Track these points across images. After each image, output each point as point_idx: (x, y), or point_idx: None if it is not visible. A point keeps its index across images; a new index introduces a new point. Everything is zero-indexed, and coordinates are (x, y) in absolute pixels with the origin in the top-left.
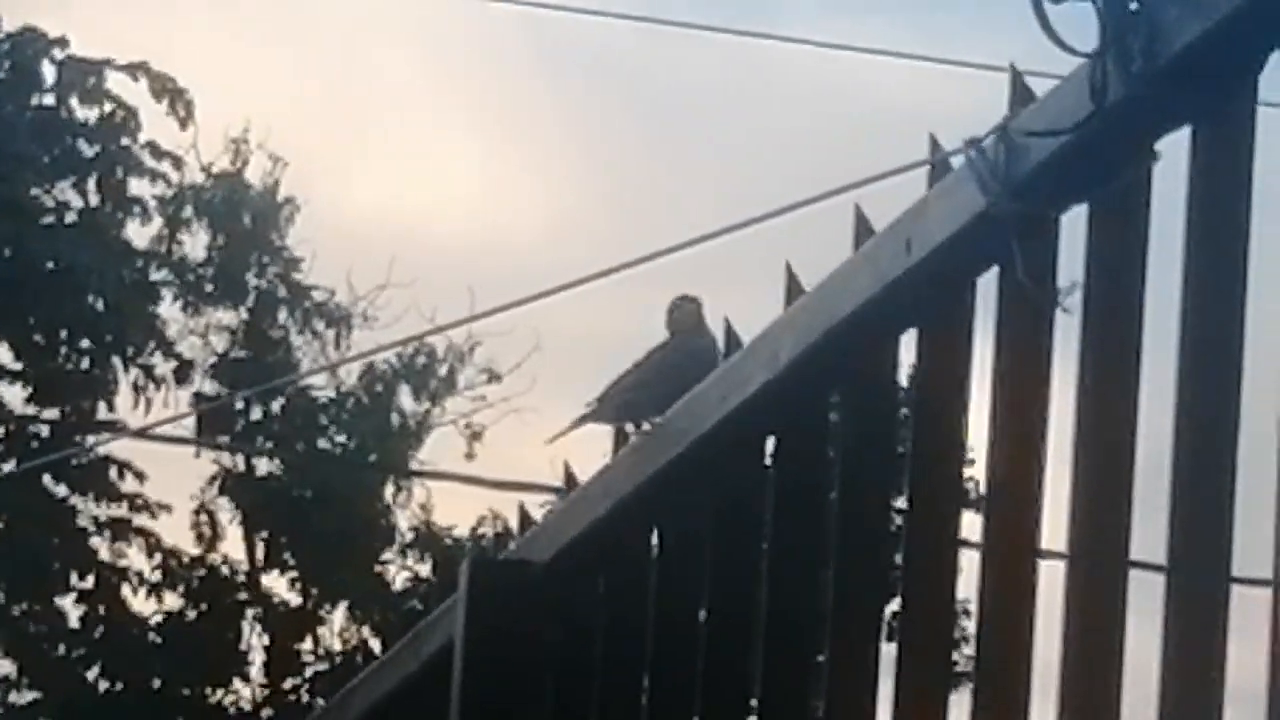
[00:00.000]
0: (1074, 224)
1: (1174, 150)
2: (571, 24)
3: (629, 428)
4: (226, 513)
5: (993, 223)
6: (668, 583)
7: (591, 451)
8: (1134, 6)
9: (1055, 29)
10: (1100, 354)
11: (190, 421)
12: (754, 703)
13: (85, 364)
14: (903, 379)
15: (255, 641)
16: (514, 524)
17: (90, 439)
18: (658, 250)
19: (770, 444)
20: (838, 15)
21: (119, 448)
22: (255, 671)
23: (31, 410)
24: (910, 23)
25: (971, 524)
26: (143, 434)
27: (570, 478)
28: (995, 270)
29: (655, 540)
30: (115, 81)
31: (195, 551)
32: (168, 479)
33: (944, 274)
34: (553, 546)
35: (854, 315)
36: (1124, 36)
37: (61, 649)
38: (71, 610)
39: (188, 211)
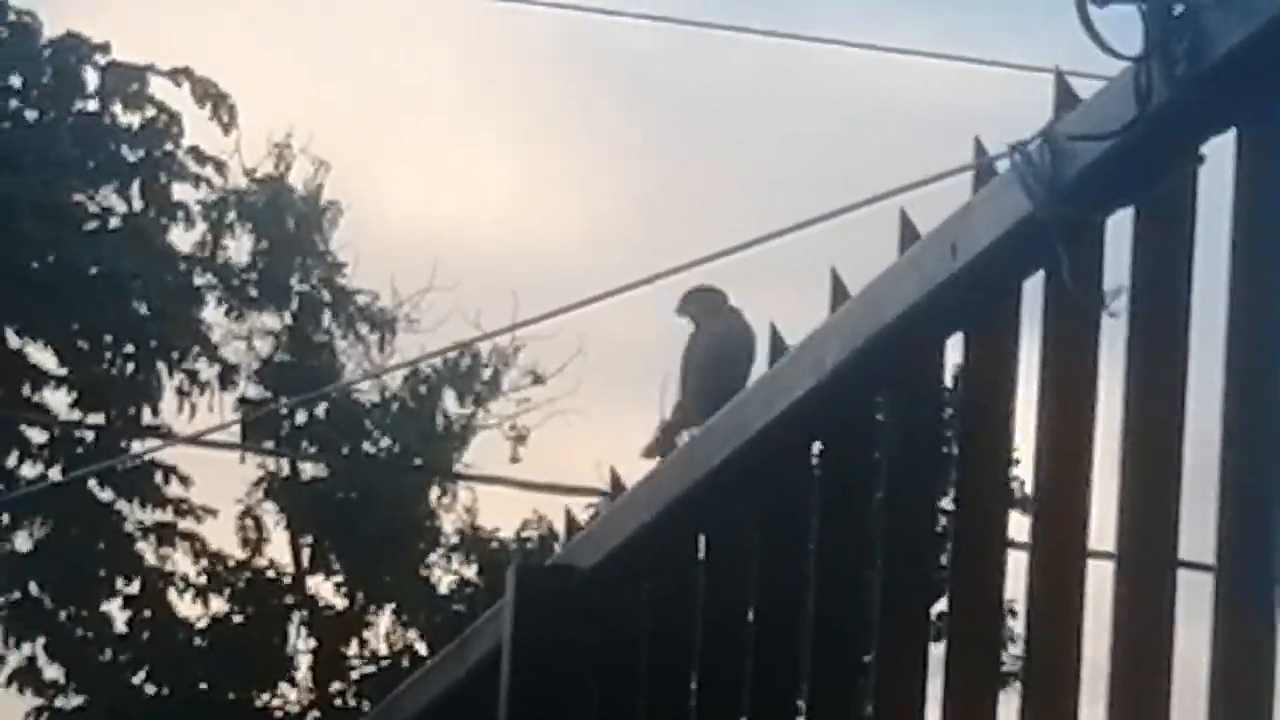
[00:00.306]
0: (1120, 228)
1: (1219, 153)
2: (607, 27)
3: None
4: (272, 516)
5: (1038, 227)
6: (714, 588)
7: (636, 450)
8: (1178, 10)
9: (1099, 32)
10: (1147, 357)
11: (235, 426)
12: (802, 705)
13: (130, 369)
14: (949, 381)
15: (301, 645)
16: (559, 526)
17: (136, 445)
18: (704, 256)
19: (816, 448)
20: (872, 15)
21: (164, 452)
22: (301, 675)
23: (76, 415)
24: (944, 22)
25: (1019, 525)
26: (194, 441)
27: (617, 482)
28: (1041, 274)
29: (702, 545)
30: (158, 87)
31: (241, 555)
32: (213, 483)
33: (989, 279)
34: (599, 552)
35: (900, 320)
36: (1168, 40)
37: (108, 654)
38: (118, 615)
39: (231, 216)
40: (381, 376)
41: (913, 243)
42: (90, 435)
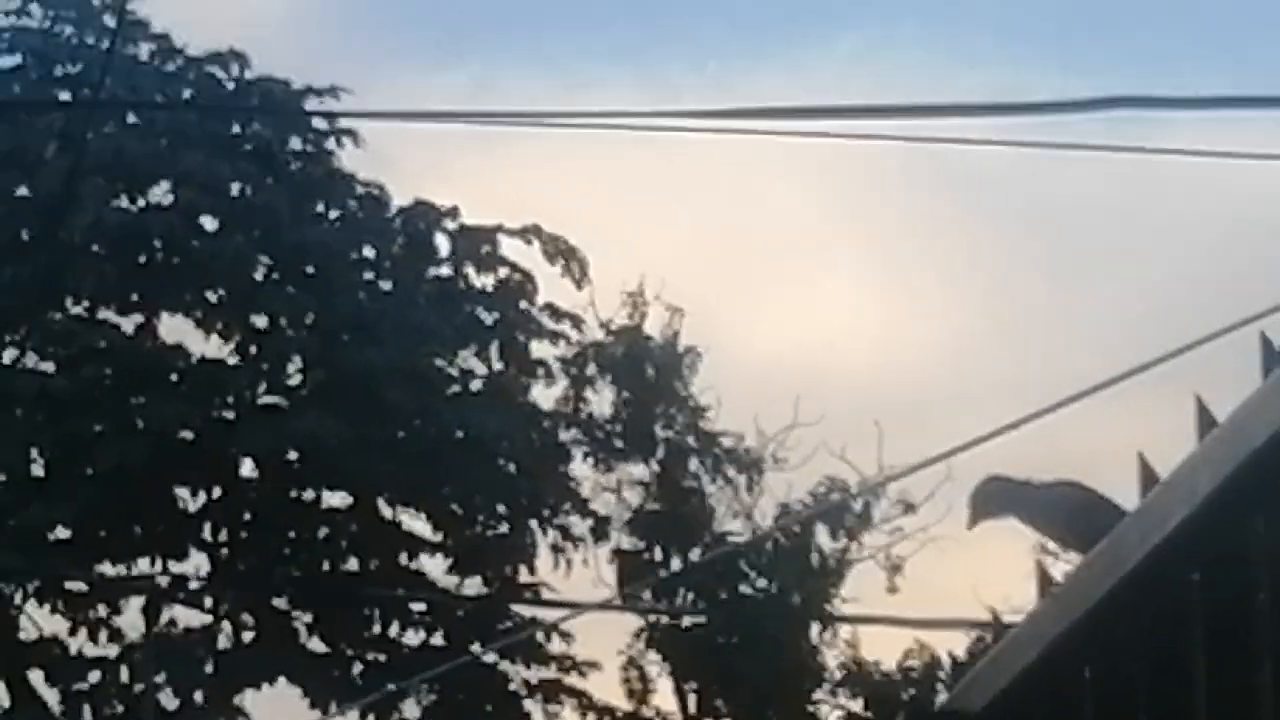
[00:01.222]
0: None
1: None
2: (952, 149)
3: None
4: (655, 665)
5: None
6: None
7: (1003, 574)
8: None
9: None
10: None
11: (611, 578)
12: None
13: (503, 529)
14: None
15: None
16: (940, 654)
17: (516, 609)
18: (1079, 391)
19: (1195, 576)
20: (1215, 119)
21: (544, 610)
22: None
23: (454, 580)
24: None
25: None
26: (584, 608)
27: (997, 621)
28: None
29: (1088, 680)
30: (508, 246)
31: (628, 707)
32: (594, 636)
33: None
34: (986, 695)
35: (1269, 443)
36: None
37: None
38: None
39: (591, 369)
40: (750, 515)
41: (1275, 365)
42: (469, 597)
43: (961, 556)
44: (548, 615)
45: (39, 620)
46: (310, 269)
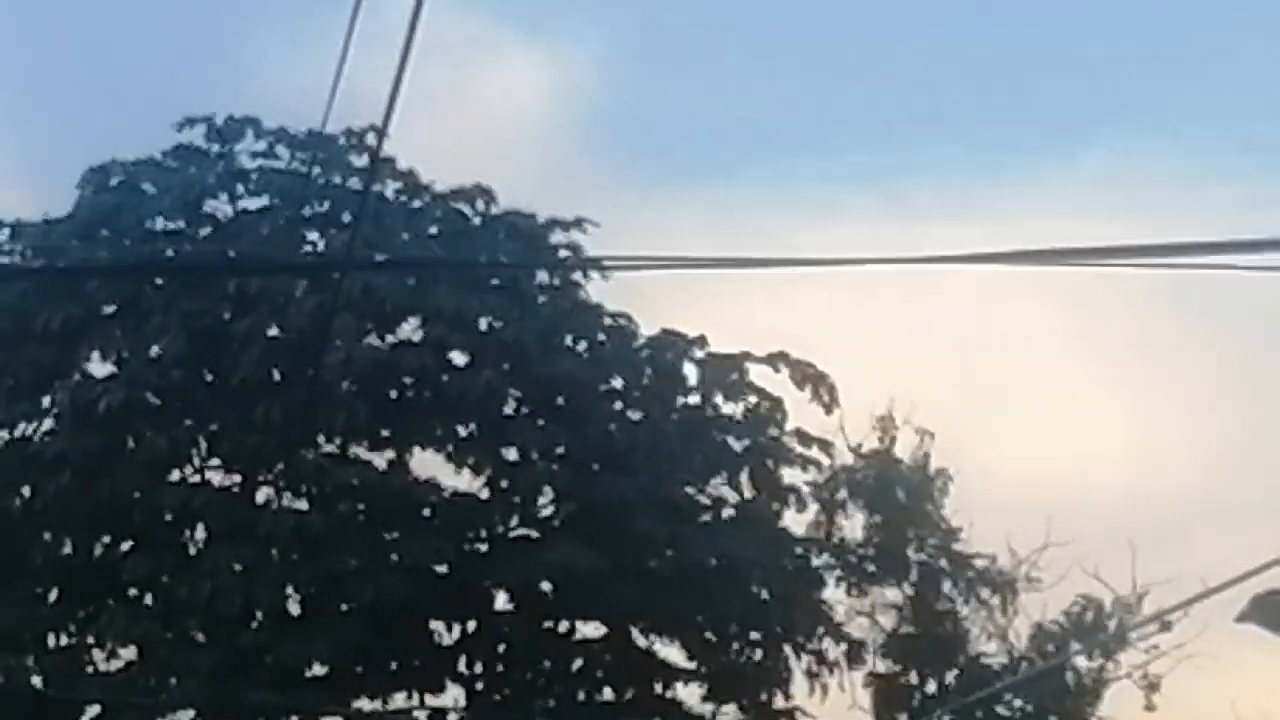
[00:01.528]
0: None
1: None
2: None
3: None
4: None
5: None
6: None
7: (1262, 689)
8: None
9: None
10: None
11: (867, 703)
12: None
13: (757, 656)
14: None
15: None
16: None
17: None
18: None
19: None
20: None
21: None
22: None
23: (709, 708)
24: None
25: None
26: None
27: None
28: None
29: None
30: (756, 373)
31: None
32: None
33: None
34: None
35: None
36: None
37: None
38: None
39: (842, 494)
40: (1005, 637)
41: None
42: None
43: (1219, 673)
44: None
45: None
46: (560, 401)
